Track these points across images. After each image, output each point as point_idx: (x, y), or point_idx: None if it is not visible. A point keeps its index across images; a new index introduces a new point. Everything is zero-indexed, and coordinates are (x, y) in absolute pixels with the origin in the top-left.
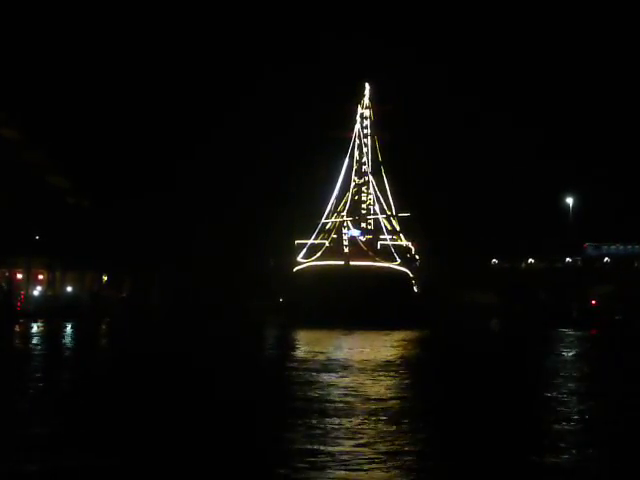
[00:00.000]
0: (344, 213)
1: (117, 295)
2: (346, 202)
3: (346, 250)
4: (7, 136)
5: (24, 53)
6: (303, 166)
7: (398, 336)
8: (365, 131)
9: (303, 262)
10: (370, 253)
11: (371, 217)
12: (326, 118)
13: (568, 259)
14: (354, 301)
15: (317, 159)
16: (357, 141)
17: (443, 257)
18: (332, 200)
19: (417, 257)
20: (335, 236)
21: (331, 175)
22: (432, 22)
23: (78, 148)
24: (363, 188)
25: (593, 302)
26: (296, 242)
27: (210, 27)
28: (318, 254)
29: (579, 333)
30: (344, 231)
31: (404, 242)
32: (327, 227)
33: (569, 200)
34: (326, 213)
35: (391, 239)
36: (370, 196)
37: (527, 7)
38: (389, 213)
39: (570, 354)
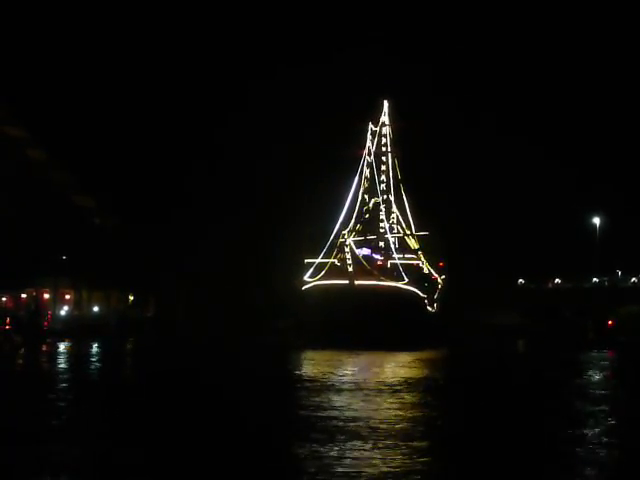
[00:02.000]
0: (345, 232)
1: (143, 314)
2: (356, 221)
3: (350, 269)
4: (33, 156)
5: (48, 71)
6: (312, 184)
7: (408, 357)
8: (383, 149)
9: (310, 281)
10: (375, 272)
11: (390, 235)
12: (335, 135)
13: (595, 279)
14: (360, 321)
15: (327, 177)
16: (367, 159)
17: (465, 277)
18: (341, 219)
19: (435, 276)
20: (347, 255)
21: (340, 193)
22: (448, 41)
23: (103, 168)
24: (381, 206)
25: (610, 322)
26: (306, 261)
27: (218, 44)
28: (322, 273)
29: (595, 354)
30: (346, 249)
31: (420, 261)
32: (335, 246)
33: (596, 220)
34: (334, 232)
35: (401, 258)
36: (382, 214)
37: (547, 28)
38: (408, 232)
39: (582, 377)
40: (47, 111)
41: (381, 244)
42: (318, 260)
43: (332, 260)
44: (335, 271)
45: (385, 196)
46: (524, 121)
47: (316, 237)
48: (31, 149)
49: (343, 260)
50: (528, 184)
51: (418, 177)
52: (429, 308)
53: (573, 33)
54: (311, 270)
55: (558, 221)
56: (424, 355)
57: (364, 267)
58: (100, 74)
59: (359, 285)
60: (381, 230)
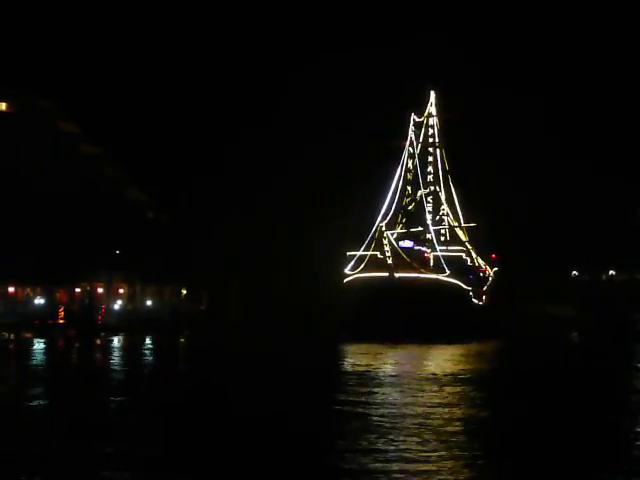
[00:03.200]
0: (383, 224)
1: (196, 308)
2: (398, 213)
3: (389, 262)
4: (87, 151)
5: (100, 66)
6: (355, 175)
7: (452, 350)
8: (430, 140)
9: (351, 274)
10: (415, 265)
11: (436, 228)
12: (379, 126)
13: None
14: (401, 314)
15: (370, 168)
16: (410, 150)
17: (517, 269)
18: (382, 211)
19: (484, 268)
20: (386, 247)
21: (382, 185)
22: (498, 33)
23: (157, 163)
24: (428, 198)
25: None
26: (348, 253)
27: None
28: (361, 266)
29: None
30: (384, 242)
31: (465, 253)
32: (376, 238)
33: None
34: (376, 224)
35: (444, 250)
36: (430, 206)
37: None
38: (456, 224)
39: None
40: (100, 106)
41: (429, 236)
42: (359, 253)
43: (370, 253)
44: (376, 264)
45: (432, 187)
46: (573, 111)
47: (359, 229)
48: (85, 144)
49: (389, 252)
50: (582, 175)
51: (467, 169)
52: (475, 300)
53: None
54: (352, 263)
55: (613, 213)
56: (469, 348)
57: (405, 259)
58: (149, 70)
59: (399, 278)
60: (428, 222)
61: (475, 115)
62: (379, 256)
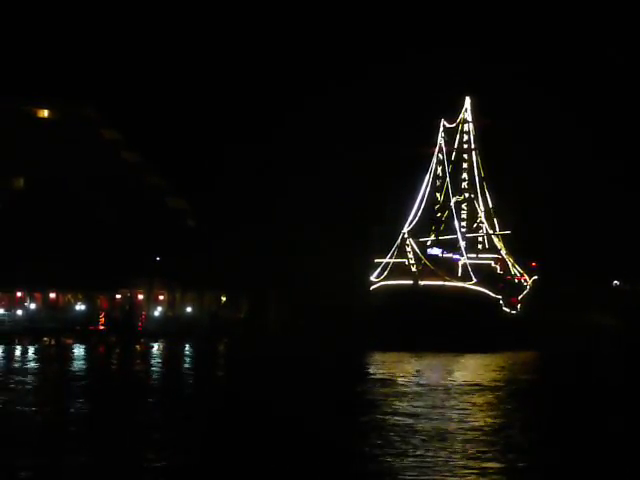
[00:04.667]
0: (405, 231)
1: (235, 315)
2: (426, 220)
3: (413, 269)
4: (128, 159)
5: (142, 75)
6: (386, 181)
7: (478, 360)
8: (465, 146)
9: (376, 281)
10: (439, 272)
11: (471, 235)
12: (408, 133)
13: None
14: (425, 322)
15: (399, 175)
16: (440, 156)
17: (556, 277)
18: (410, 218)
19: (522, 276)
20: (409, 255)
21: (412, 192)
22: (530, 41)
23: (197, 171)
24: (462, 205)
25: None
26: (375, 261)
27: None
28: (384, 274)
29: None
30: (407, 249)
31: (493, 261)
32: (400, 245)
33: None
34: (404, 231)
35: (473, 258)
36: (464, 213)
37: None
38: (491, 231)
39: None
40: (141, 114)
41: (462, 244)
42: (386, 260)
43: (394, 260)
44: (402, 271)
45: (467, 194)
46: (610, 114)
47: (387, 236)
48: (126, 151)
49: (417, 260)
50: (621, 183)
51: (503, 175)
52: (506, 309)
53: None
54: (378, 270)
55: None
56: (498, 358)
57: (434, 267)
58: (190, 78)
59: (424, 286)
60: (462, 229)
61: (510, 120)
62: (406, 263)
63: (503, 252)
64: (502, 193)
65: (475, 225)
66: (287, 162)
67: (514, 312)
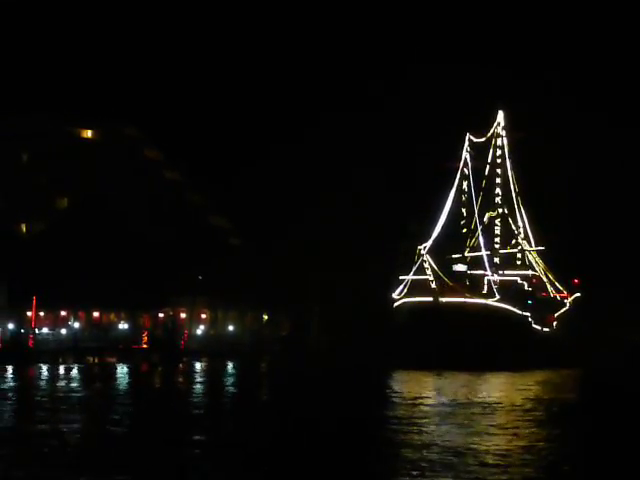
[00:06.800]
0: (421, 247)
1: (277, 333)
2: (454, 235)
3: (433, 286)
4: (169, 177)
5: (181, 93)
6: (411, 197)
7: (503, 379)
8: (498, 161)
9: (398, 298)
10: (460, 289)
11: (505, 251)
12: (433, 147)
13: None
14: (447, 340)
15: (426, 191)
16: (465, 171)
17: (596, 293)
18: (435, 234)
19: (562, 293)
20: (428, 271)
21: (437, 207)
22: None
23: (239, 189)
24: (496, 220)
25: None
26: (400, 277)
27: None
28: (405, 290)
29: None
30: (425, 265)
31: (524, 276)
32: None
33: None
34: (420, 247)
35: (502, 275)
36: (497, 229)
37: None
38: (527, 247)
39: None
40: (182, 133)
41: (486, 260)
42: (409, 277)
43: (414, 277)
44: (424, 288)
45: (500, 210)
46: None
47: (412, 252)
48: (167, 170)
49: (446, 276)
50: None
51: (538, 190)
52: (536, 326)
53: None
54: (401, 287)
55: None
56: (526, 377)
57: (453, 284)
58: (230, 99)
59: (445, 303)
60: (496, 245)
61: (544, 133)
62: (429, 280)
63: (539, 268)
64: (538, 208)
65: (512, 241)
66: (320, 175)
67: (546, 330)
